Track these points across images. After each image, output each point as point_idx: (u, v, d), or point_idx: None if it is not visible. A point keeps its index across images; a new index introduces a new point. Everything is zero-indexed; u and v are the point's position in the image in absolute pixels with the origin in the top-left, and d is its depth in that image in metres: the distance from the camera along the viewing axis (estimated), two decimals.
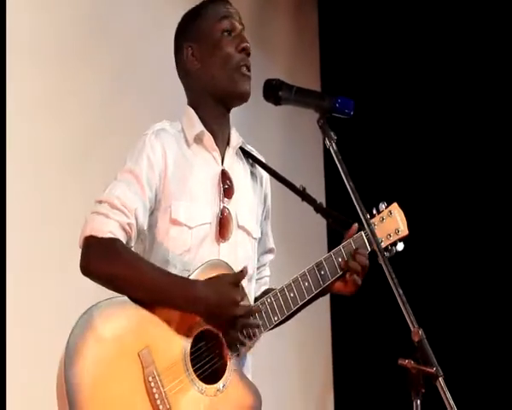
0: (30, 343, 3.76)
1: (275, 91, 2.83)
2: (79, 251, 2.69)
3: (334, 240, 2.95)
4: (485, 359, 5.31)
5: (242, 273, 2.68)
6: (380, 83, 5.64)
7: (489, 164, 5.48)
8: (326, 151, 2.77)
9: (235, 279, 2.66)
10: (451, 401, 2.41)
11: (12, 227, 3.77)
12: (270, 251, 3.07)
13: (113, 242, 2.66)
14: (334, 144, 2.69)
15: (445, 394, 2.42)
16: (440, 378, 2.43)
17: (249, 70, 2.88)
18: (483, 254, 5.44)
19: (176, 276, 2.69)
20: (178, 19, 2.98)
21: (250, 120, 4.15)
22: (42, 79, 4.05)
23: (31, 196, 3.95)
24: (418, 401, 2.45)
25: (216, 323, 2.67)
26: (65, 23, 4.21)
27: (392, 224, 2.99)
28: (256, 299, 2.84)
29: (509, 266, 5.39)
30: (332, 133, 2.71)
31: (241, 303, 2.66)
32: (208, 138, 2.86)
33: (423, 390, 2.45)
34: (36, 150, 4.01)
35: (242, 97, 2.89)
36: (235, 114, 2.97)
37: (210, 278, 2.66)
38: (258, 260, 3.01)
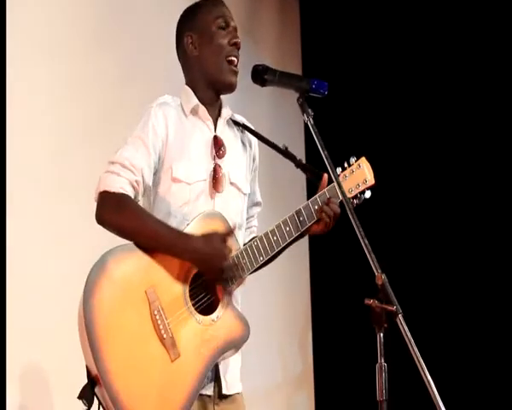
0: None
1: (261, 75, 2.89)
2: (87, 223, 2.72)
3: (311, 192, 2.95)
4: (441, 297, 5.34)
5: (231, 231, 2.74)
6: (352, 67, 5.61)
7: (453, 136, 5.48)
8: (306, 125, 2.80)
9: (224, 236, 2.71)
10: (409, 334, 2.44)
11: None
12: (257, 204, 3.09)
13: (123, 196, 2.70)
14: (311, 119, 2.75)
15: (404, 328, 2.45)
16: (400, 315, 2.45)
17: (237, 65, 2.92)
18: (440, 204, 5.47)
19: (175, 229, 2.73)
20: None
21: (241, 99, 4.12)
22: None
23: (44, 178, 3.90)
24: (381, 335, 2.48)
25: (206, 271, 2.71)
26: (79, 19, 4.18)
27: (360, 175, 2.98)
28: (245, 244, 2.85)
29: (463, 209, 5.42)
30: (309, 110, 2.76)
31: (228, 260, 2.70)
32: (203, 110, 2.91)
33: (386, 326, 2.48)
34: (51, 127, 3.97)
35: (229, 88, 2.94)
36: (230, 94, 3.02)
37: (204, 235, 2.70)
38: (247, 212, 3.03)
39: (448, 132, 5.47)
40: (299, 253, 2.71)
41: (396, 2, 5.64)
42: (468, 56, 5.44)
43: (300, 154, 5.50)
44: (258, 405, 4.63)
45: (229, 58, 2.91)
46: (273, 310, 5.35)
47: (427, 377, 2.42)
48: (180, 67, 3.01)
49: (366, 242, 2.57)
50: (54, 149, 3.91)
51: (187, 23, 2.97)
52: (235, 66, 2.93)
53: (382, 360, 2.48)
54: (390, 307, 2.48)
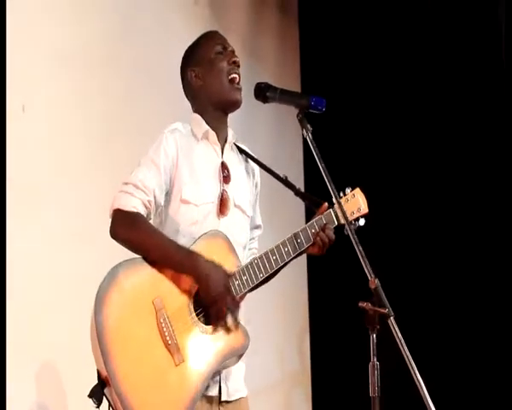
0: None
1: (263, 92, 2.90)
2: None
3: (310, 218, 2.96)
4: (431, 301, 5.30)
5: (233, 274, 2.74)
6: (348, 86, 5.59)
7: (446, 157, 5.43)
8: (305, 141, 2.81)
9: (228, 275, 2.72)
10: (400, 335, 2.46)
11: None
12: (257, 227, 3.09)
13: (136, 215, 2.73)
14: (310, 134, 2.76)
15: (395, 330, 2.47)
16: (391, 318, 2.48)
17: (239, 83, 2.93)
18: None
19: (183, 248, 2.74)
20: (187, 29, 3.02)
21: (245, 115, 4.15)
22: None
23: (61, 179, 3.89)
24: (374, 335, 2.50)
25: (203, 294, 2.71)
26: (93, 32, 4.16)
27: (355, 204, 2.97)
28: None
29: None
30: (308, 125, 2.78)
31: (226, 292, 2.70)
32: (212, 135, 2.92)
33: (378, 327, 2.49)
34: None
35: (235, 105, 2.95)
36: (236, 111, 3.00)
37: (210, 261, 2.71)
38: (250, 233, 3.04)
39: (440, 146, 5.44)
40: (298, 259, 2.73)
41: (392, 22, 5.61)
42: (464, 80, 5.42)
43: (299, 168, 5.56)
44: (257, 401, 4.61)
45: (231, 77, 2.92)
46: (273, 312, 5.33)
47: (416, 375, 2.44)
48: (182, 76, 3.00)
49: (360, 249, 2.59)
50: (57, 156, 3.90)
51: (188, 60, 3.00)
52: (238, 83, 2.93)
53: (375, 359, 2.50)
54: (382, 310, 2.50)
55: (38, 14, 3.82)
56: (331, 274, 5.54)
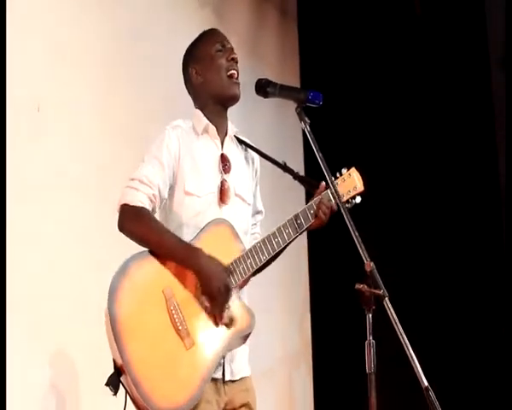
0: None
1: (264, 88, 2.90)
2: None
3: (309, 199, 2.96)
4: (423, 281, 5.35)
5: (229, 269, 2.74)
6: (344, 82, 5.63)
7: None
8: (304, 132, 2.81)
9: (225, 269, 2.73)
10: (394, 315, 2.47)
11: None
12: (259, 212, 3.10)
13: (141, 210, 2.75)
14: (307, 126, 2.77)
15: (390, 310, 2.48)
16: (386, 298, 2.48)
17: (237, 78, 2.94)
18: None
19: (185, 244, 2.74)
20: (191, 29, 3.04)
21: (246, 110, 4.14)
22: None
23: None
24: (370, 315, 2.51)
25: (204, 287, 2.72)
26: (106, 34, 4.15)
27: (351, 183, 2.98)
28: None
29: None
30: (306, 118, 2.79)
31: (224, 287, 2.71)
32: (212, 129, 2.93)
33: (374, 307, 2.50)
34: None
35: (234, 99, 2.95)
36: (238, 106, 3.01)
37: (210, 257, 2.71)
38: (251, 219, 3.05)
39: (434, 138, 5.48)
40: (300, 243, 2.73)
41: (389, 21, 5.65)
42: (459, 73, 5.43)
43: (299, 158, 5.56)
44: (261, 380, 4.62)
45: (230, 72, 2.93)
46: (275, 294, 5.33)
47: (409, 352, 2.44)
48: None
49: (357, 234, 2.60)
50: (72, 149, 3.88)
51: (190, 58, 3.00)
52: (236, 78, 2.94)
53: (371, 338, 2.51)
54: (378, 291, 2.50)
55: (52, 15, 3.80)
56: (330, 257, 5.58)
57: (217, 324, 2.71)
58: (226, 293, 2.71)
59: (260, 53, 5.42)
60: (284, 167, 2.98)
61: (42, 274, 3.54)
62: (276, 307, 5.39)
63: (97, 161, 3.93)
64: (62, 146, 3.75)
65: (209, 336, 2.69)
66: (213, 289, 2.69)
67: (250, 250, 2.79)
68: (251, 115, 4.74)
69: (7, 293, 3.18)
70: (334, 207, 2.87)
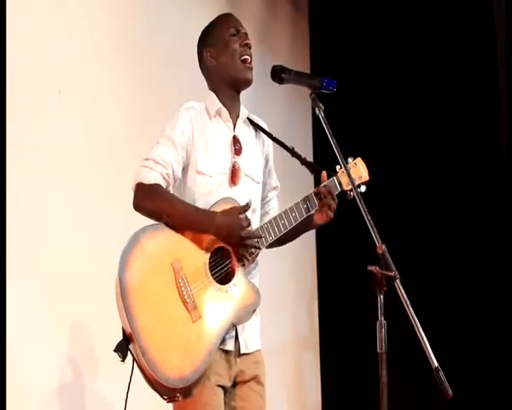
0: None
1: (279, 74, 2.90)
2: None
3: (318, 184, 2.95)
4: (433, 264, 5.35)
5: (247, 205, 2.77)
6: (353, 70, 5.61)
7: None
8: (314, 119, 2.81)
9: (241, 210, 2.75)
10: (405, 296, 2.46)
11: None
12: (275, 188, 3.12)
13: (156, 186, 2.75)
14: (322, 112, 2.77)
15: (401, 291, 2.48)
16: (397, 280, 2.48)
17: (251, 62, 2.93)
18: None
19: (200, 209, 2.78)
20: (208, 16, 3.04)
21: (260, 96, 4.15)
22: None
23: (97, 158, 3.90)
24: (381, 296, 2.51)
25: (228, 242, 2.75)
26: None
27: (357, 172, 2.99)
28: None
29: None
30: (320, 104, 2.78)
31: (246, 229, 2.74)
32: (225, 112, 2.92)
33: (385, 289, 2.50)
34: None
35: (247, 83, 2.94)
36: (250, 92, 3.03)
37: (225, 210, 2.75)
38: (267, 195, 3.07)
39: (445, 129, 5.48)
40: (307, 237, 2.77)
41: (399, 10, 5.62)
42: (469, 58, 5.42)
43: (308, 148, 5.57)
44: (271, 361, 4.63)
45: (243, 57, 2.92)
46: (284, 277, 5.34)
47: (420, 332, 2.44)
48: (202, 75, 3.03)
49: (369, 217, 2.60)
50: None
51: (205, 41, 2.99)
52: (250, 63, 2.93)
53: (382, 318, 2.51)
54: (389, 273, 2.50)
55: (74, 5, 3.85)
56: (339, 240, 5.58)
57: (230, 290, 2.71)
58: (249, 236, 2.73)
59: (271, 42, 5.41)
60: (292, 152, 2.99)
61: (55, 239, 3.59)
62: (285, 291, 5.40)
63: (113, 143, 3.97)
64: (78, 127, 3.80)
65: (215, 310, 2.70)
66: (237, 233, 2.71)
67: (257, 230, 2.81)
68: (262, 105, 4.74)
69: (7, 260, 3.19)
70: (336, 200, 2.89)
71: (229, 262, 2.77)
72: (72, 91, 3.77)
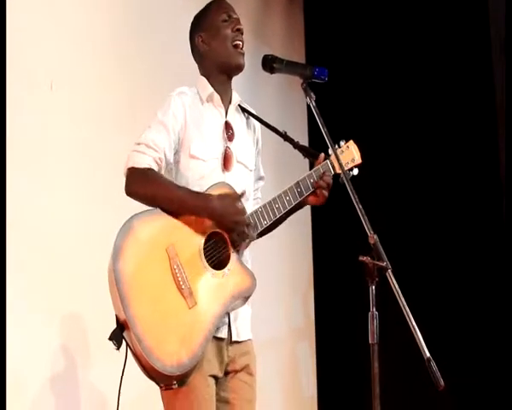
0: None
1: (270, 63, 2.86)
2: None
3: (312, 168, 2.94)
4: (424, 254, 5.35)
5: (242, 194, 2.74)
6: (347, 60, 5.61)
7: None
8: (309, 109, 2.77)
9: (237, 197, 2.72)
10: (397, 287, 2.43)
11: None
12: (261, 178, 3.08)
13: (149, 170, 2.71)
14: (313, 101, 2.74)
15: (393, 282, 2.44)
16: (389, 270, 2.45)
17: (242, 47, 2.90)
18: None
19: (194, 192, 2.73)
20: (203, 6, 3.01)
21: (252, 86, 4.11)
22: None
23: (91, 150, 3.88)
24: (373, 287, 2.48)
25: (222, 226, 2.71)
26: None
27: (349, 155, 2.97)
28: None
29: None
30: (312, 93, 2.74)
31: (240, 214, 2.71)
32: (217, 97, 2.89)
33: (377, 279, 2.47)
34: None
35: (238, 68, 2.90)
36: (243, 82, 2.99)
37: (220, 194, 2.71)
38: (253, 185, 3.03)
39: (436, 119, 5.47)
40: (303, 216, 2.70)
41: (392, 1, 5.61)
42: (464, 48, 5.40)
43: (303, 132, 5.55)
44: (266, 352, 4.62)
45: (235, 43, 2.89)
46: (279, 269, 5.33)
47: (412, 323, 2.41)
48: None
49: (360, 207, 2.56)
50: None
51: (196, 26, 2.96)
52: (241, 48, 2.90)
53: (374, 309, 2.48)
54: (381, 264, 2.46)
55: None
56: (334, 230, 5.59)
57: (225, 275, 2.68)
58: (243, 222, 2.70)
59: (266, 34, 5.39)
60: (285, 137, 2.96)
61: (48, 232, 3.56)
62: (281, 281, 5.38)
63: (106, 136, 3.94)
64: (73, 121, 3.77)
65: (211, 296, 2.66)
66: (230, 217, 2.68)
67: (251, 214, 2.77)
68: (257, 96, 4.73)
69: (7, 252, 3.17)
70: (331, 182, 2.87)
71: (224, 247, 2.73)
72: (65, 85, 3.73)
